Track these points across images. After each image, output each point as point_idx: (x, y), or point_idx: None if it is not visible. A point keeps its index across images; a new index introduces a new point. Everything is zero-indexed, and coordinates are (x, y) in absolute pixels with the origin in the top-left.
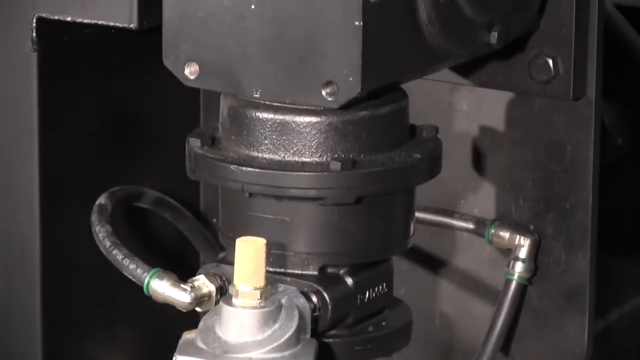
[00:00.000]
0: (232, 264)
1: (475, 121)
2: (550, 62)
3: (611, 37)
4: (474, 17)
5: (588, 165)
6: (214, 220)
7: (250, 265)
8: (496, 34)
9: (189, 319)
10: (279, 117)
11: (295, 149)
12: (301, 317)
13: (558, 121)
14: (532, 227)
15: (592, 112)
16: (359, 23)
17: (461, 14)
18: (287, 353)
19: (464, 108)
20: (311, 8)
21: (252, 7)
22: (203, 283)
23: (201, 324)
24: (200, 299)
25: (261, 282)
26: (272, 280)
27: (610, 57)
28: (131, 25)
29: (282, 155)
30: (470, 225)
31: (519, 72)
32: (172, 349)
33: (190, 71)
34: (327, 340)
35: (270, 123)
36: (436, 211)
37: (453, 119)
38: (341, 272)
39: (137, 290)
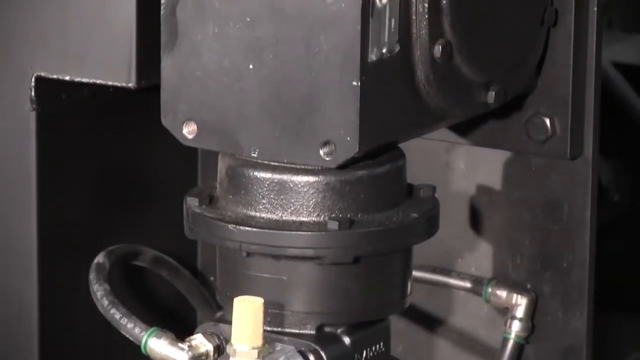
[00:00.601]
0: (229, 323)
1: (472, 180)
2: (548, 121)
3: (608, 95)
4: (472, 77)
5: (585, 224)
6: (212, 278)
7: (248, 325)
8: (493, 93)
9: None
10: (277, 176)
11: (292, 209)
12: None
13: (555, 180)
14: (529, 285)
15: (589, 171)
16: (357, 83)
17: (458, 74)
18: None
19: (461, 167)
20: (309, 68)
21: (250, 67)
22: (201, 342)
23: None
24: (198, 358)
25: (259, 342)
26: (270, 339)
27: (607, 114)
28: (130, 85)
29: (280, 214)
30: (468, 284)
31: (516, 131)
32: None
33: (189, 130)
34: None
35: (267, 182)
36: (433, 270)
37: (450, 177)
38: (339, 331)
39: (135, 349)
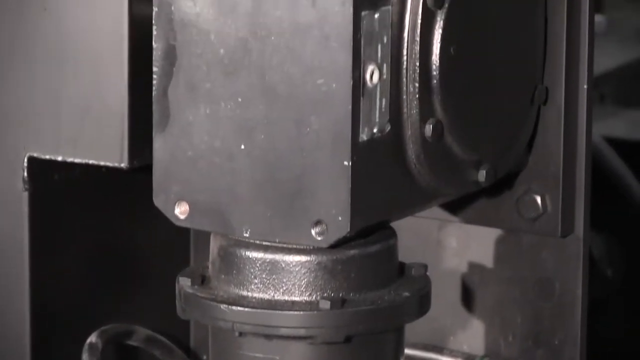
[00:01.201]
0: None
1: (464, 257)
2: (539, 199)
3: (600, 170)
4: (462, 156)
5: (577, 302)
6: (205, 357)
7: None
8: (484, 172)
9: None
10: (269, 256)
11: (285, 288)
12: None
13: (546, 258)
14: None
15: (581, 248)
16: (348, 163)
17: (449, 153)
18: None
19: (453, 245)
20: (300, 148)
21: (242, 147)
22: None
23: None
24: None
25: None
26: None
27: (599, 188)
28: (122, 165)
29: (272, 294)
30: None
31: (507, 209)
32: None
33: (181, 211)
34: None
35: (259, 262)
36: (425, 347)
37: (442, 255)
38: None
39: None
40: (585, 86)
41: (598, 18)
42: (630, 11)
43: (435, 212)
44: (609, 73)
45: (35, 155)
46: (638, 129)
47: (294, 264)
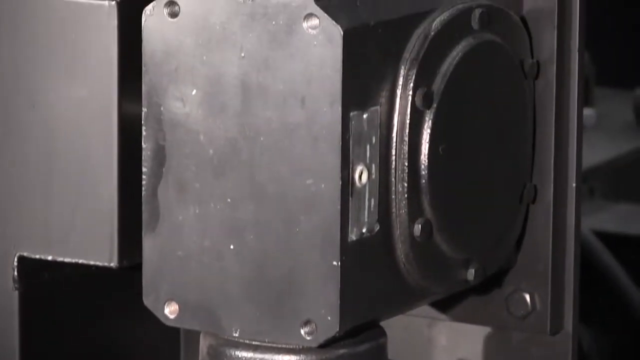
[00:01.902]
0: None
1: (454, 355)
2: (528, 297)
3: (590, 263)
4: (452, 255)
5: None
6: None
7: None
8: (473, 271)
9: None
10: (259, 356)
11: None
12: None
13: (536, 354)
14: None
15: (570, 345)
16: (337, 263)
17: (438, 252)
18: None
19: (442, 343)
20: (289, 248)
21: (231, 247)
22: None
23: None
24: None
25: None
26: None
27: (588, 282)
28: (112, 264)
29: None
30: None
31: (496, 307)
32: None
33: (170, 311)
34: None
35: None
36: None
37: (432, 353)
38: None
39: None
40: (574, 184)
41: (588, 111)
42: (619, 104)
43: (425, 310)
44: (599, 167)
45: (25, 254)
46: (628, 223)
47: None
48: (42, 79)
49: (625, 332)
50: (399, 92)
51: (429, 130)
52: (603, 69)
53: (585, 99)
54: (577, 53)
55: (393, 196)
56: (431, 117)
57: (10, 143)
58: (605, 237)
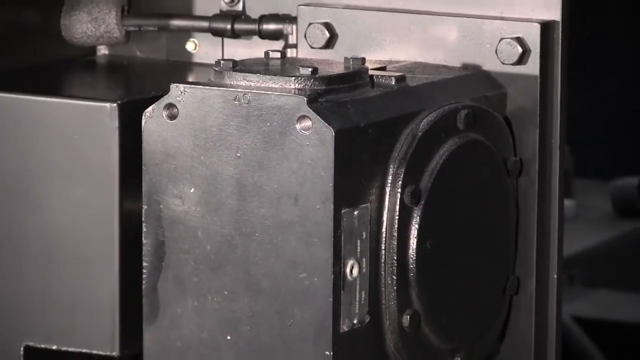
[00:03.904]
0: None
1: None
2: None
3: (569, 348)
4: (439, 344)
5: None
6: None
7: None
8: (459, 359)
9: None
10: None
11: None
12: None
13: None
14: None
15: None
16: (329, 353)
17: (426, 342)
18: None
19: None
20: (283, 339)
21: (228, 338)
22: None
23: None
24: None
25: None
26: None
27: None
28: (113, 354)
29: None
30: None
31: None
32: None
33: None
34: None
35: None
36: None
37: None
38: None
39: None
40: (556, 275)
41: (567, 202)
42: (598, 195)
43: None
44: (579, 255)
45: (31, 344)
46: (606, 310)
47: None
48: (43, 181)
49: None
50: (388, 189)
51: (417, 226)
52: (581, 160)
53: (565, 191)
54: (558, 150)
55: (383, 288)
56: (419, 213)
57: (14, 241)
58: (585, 323)
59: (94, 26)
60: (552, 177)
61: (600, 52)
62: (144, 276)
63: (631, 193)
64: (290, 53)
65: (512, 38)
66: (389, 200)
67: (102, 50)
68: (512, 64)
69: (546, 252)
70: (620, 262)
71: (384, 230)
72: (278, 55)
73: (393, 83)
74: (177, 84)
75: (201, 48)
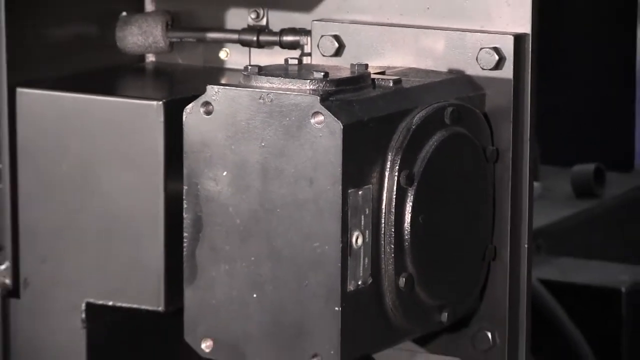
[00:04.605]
0: None
1: None
2: (489, 334)
3: (537, 308)
4: (429, 302)
5: None
6: None
7: None
8: (446, 314)
9: None
10: None
11: None
12: None
13: None
14: None
15: None
16: (338, 309)
17: (418, 300)
18: None
19: None
20: (300, 298)
21: (254, 296)
22: None
23: None
24: None
25: None
26: None
27: (536, 323)
28: (159, 309)
29: None
30: None
31: (464, 342)
32: None
33: (206, 345)
34: None
35: None
36: None
37: None
38: None
39: None
40: (526, 245)
41: (535, 185)
42: (560, 180)
43: (407, 344)
44: (544, 228)
45: (91, 301)
46: (567, 273)
47: None
48: (102, 167)
49: (564, 358)
50: (387, 173)
51: (410, 204)
52: (547, 150)
53: (533, 175)
54: (528, 142)
55: (382, 255)
56: (412, 193)
57: (76, 219)
58: (550, 285)
59: (143, 38)
60: (523, 163)
61: (563, 61)
62: (184, 245)
63: (587, 178)
64: (306, 60)
65: (490, 48)
66: (387, 183)
67: (150, 58)
68: (490, 70)
69: (518, 225)
70: (578, 234)
71: (383, 207)
72: (295, 62)
73: (391, 85)
74: (212, 86)
75: (232, 56)
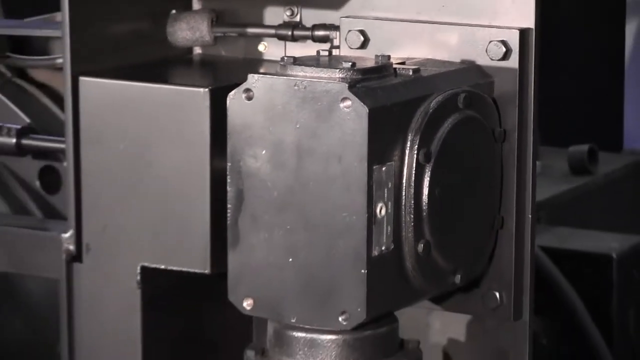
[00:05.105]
0: None
1: (445, 335)
2: (497, 295)
3: (538, 272)
4: (444, 265)
5: None
6: None
7: None
8: (459, 276)
9: None
10: (309, 336)
11: (320, 358)
12: None
13: (503, 336)
14: None
15: (527, 329)
16: (364, 271)
17: (435, 264)
18: None
19: (437, 326)
20: (331, 262)
21: (290, 260)
22: None
23: None
24: None
25: None
26: None
27: (538, 286)
28: (205, 271)
29: None
30: None
31: (475, 301)
32: None
33: (247, 304)
34: None
35: (302, 340)
36: None
37: (429, 333)
38: None
39: None
40: (530, 215)
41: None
42: (558, 158)
43: (425, 303)
44: (544, 202)
45: (145, 264)
46: (564, 241)
47: (326, 341)
48: (155, 147)
49: (561, 317)
50: (407, 152)
51: (428, 179)
52: (547, 132)
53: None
54: (532, 124)
55: (403, 224)
56: (429, 169)
57: (133, 188)
58: (549, 251)
59: (191, 33)
60: (527, 143)
61: (562, 54)
62: (228, 215)
63: (582, 157)
64: (335, 52)
65: (498, 41)
66: (407, 160)
67: (197, 51)
68: (498, 60)
69: (522, 198)
70: (574, 207)
71: (404, 181)
72: (326, 53)
73: (410, 74)
74: (253, 74)
75: (269, 49)
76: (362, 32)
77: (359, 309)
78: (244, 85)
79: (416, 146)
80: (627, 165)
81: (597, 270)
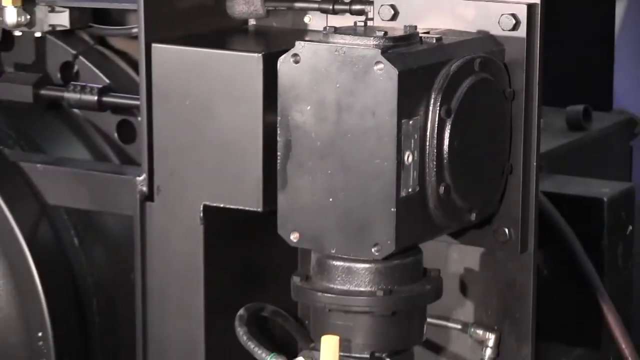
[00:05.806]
0: (319, 350)
1: (462, 264)
2: (507, 230)
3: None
4: (461, 205)
5: (529, 291)
6: (307, 322)
7: (329, 352)
8: (474, 214)
9: None
10: (346, 264)
11: (356, 283)
12: None
13: (511, 266)
14: (496, 327)
15: (531, 260)
16: (394, 209)
17: (454, 204)
18: None
19: (455, 257)
20: (365, 201)
21: (330, 200)
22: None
23: None
24: None
25: None
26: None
27: (540, 224)
28: (259, 209)
29: (348, 286)
30: (459, 326)
31: (487, 236)
32: None
33: (294, 237)
34: None
35: (340, 268)
36: (438, 317)
37: (448, 263)
38: (384, 355)
39: None
40: (535, 163)
41: None
42: (557, 117)
43: (444, 237)
44: (545, 153)
45: (207, 203)
46: (563, 187)
47: (361, 269)
48: (215, 103)
49: (560, 251)
50: (431, 108)
51: (448, 131)
52: (548, 93)
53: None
54: (537, 86)
55: (427, 170)
56: (450, 123)
57: (196, 139)
58: (549, 195)
59: (246, 6)
60: (533, 102)
61: (565, 23)
62: (278, 161)
63: (578, 116)
64: (369, 24)
65: (509, 14)
66: (431, 115)
67: (251, 22)
68: (509, 30)
69: (529, 148)
70: (570, 158)
71: (428, 133)
72: (362, 24)
73: (434, 42)
74: (300, 41)
75: (313, 20)
76: (392, 6)
77: (389, 242)
78: (292, 51)
79: (439, 103)
80: (616, 123)
81: (590, 212)
